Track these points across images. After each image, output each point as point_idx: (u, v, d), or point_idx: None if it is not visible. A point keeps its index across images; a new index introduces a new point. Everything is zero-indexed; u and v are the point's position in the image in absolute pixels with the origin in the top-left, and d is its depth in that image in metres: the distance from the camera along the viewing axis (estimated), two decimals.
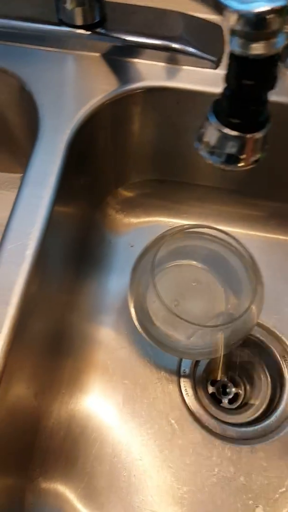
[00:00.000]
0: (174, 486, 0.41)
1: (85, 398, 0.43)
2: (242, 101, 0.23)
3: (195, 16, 0.43)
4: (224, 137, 0.25)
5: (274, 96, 0.24)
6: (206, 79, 0.41)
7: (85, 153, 0.41)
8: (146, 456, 0.42)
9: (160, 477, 0.41)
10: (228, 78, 0.23)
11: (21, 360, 0.33)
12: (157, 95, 0.41)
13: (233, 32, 0.21)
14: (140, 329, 0.40)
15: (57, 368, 0.43)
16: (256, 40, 0.20)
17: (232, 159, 0.26)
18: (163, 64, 0.41)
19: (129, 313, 0.40)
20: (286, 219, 0.52)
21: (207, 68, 0.41)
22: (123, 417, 0.43)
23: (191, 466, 0.41)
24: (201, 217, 0.52)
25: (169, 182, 0.51)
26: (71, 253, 0.44)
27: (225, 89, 0.24)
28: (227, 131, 0.25)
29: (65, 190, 0.37)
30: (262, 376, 0.48)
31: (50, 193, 0.34)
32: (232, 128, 0.24)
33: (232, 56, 0.22)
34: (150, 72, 0.41)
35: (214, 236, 0.40)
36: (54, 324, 0.42)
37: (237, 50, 0.21)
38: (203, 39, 0.42)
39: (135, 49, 0.41)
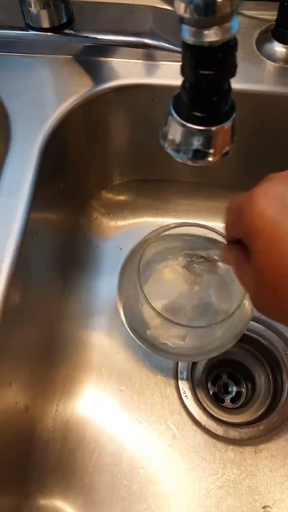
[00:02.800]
0: (178, 492, 0.40)
1: (80, 408, 0.42)
2: (202, 93, 0.22)
3: (165, 9, 0.42)
4: (189, 133, 0.23)
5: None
6: None
7: (61, 158, 0.40)
8: (147, 464, 0.40)
9: (163, 484, 0.40)
10: (184, 70, 0.22)
11: (7, 375, 0.32)
12: (130, 93, 0.40)
13: (183, 21, 0.19)
14: (132, 334, 0.39)
15: (49, 379, 0.42)
16: (207, 26, 0.19)
17: (200, 154, 0.24)
18: (137, 61, 0.40)
19: (121, 318, 0.39)
20: None
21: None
22: (121, 425, 0.42)
23: (194, 471, 0.40)
24: (190, 214, 0.51)
25: (154, 180, 0.50)
26: (57, 260, 0.44)
27: (183, 82, 0.22)
28: (191, 126, 0.23)
29: (42, 197, 0.36)
30: (263, 373, 0.47)
31: (25, 202, 0.33)
32: (196, 122, 0.23)
33: (185, 46, 0.20)
34: (124, 70, 0.40)
35: (201, 233, 0.39)
36: (43, 334, 0.42)
37: (190, 39, 0.20)
38: (176, 32, 0.41)
39: (107, 48, 0.40)
